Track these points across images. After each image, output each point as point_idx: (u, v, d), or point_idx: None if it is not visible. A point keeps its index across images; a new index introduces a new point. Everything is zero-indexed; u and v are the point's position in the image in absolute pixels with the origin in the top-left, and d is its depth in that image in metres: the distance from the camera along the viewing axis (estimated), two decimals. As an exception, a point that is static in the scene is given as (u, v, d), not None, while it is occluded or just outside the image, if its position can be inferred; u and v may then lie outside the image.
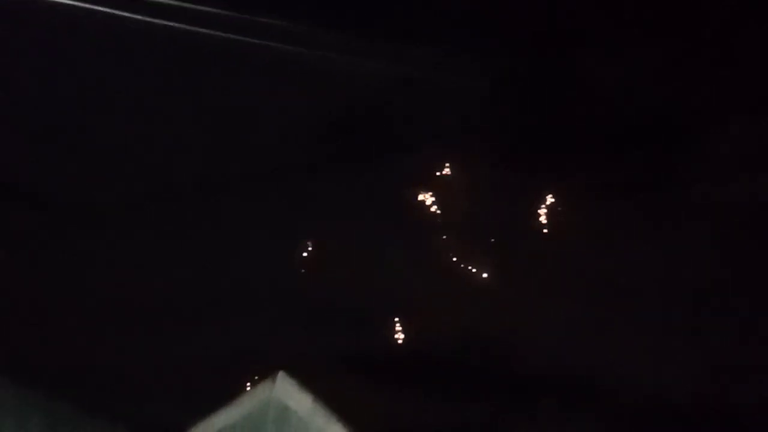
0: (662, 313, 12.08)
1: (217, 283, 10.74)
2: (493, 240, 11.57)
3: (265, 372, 11.52)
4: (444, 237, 11.45)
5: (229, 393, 11.26)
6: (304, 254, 10.93)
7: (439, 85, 10.89)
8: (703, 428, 12.89)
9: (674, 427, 12.57)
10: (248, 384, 11.37)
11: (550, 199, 11.86)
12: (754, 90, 12.19)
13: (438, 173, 11.37)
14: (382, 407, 11.38)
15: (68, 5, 8.59)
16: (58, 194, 9.91)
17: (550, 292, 11.59)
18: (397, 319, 11.38)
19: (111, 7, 8.72)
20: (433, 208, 11.40)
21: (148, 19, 8.75)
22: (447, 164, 11.21)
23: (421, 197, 11.25)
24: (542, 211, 11.72)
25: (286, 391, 10.73)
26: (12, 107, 10.52)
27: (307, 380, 11.08)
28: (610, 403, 11.52)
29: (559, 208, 11.86)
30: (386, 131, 11.09)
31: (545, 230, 11.82)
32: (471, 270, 11.46)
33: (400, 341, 11.42)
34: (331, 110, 10.71)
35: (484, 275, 11.36)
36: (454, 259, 11.46)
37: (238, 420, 10.54)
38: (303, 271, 11.05)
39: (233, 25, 9.39)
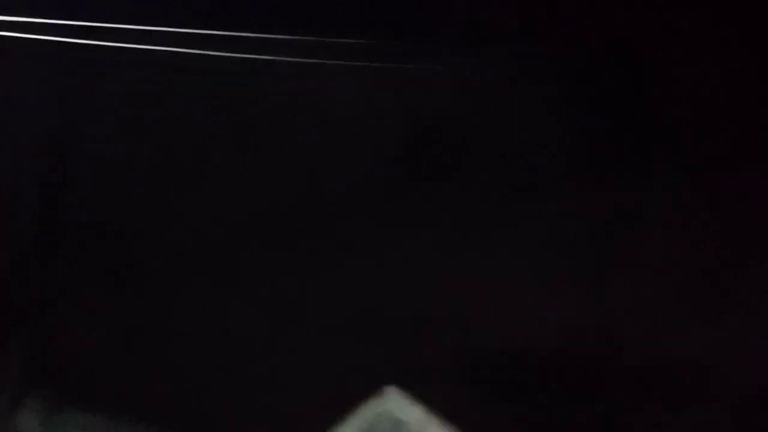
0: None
1: (306, 303, 10.78)
2: (581, 242, 11.49)
3: (369, 388, 11.47)
4: (530, 242, 11.38)
5: (335, 412, 11.23)
6: (390, 269, 10.96)
7: (513, 95, 10.81)
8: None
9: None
10: (354, 401, 11.38)
11: (633, 198, 11.79)
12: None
13: (515, 182, 11.34)
14: (491, 413, 11.29)
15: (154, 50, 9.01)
16: (160, 232, 10.09)
17: (647, 288, 11.45)
18: (495, 325, 11.30)
19: (190, 48, 9.10)
20: (516, 217, 11.39)
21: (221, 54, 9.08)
22: (524, 172, 11.20)
23: (502, 207, 11.20)
24: (626, 209, 11.65)
25: (397, 405, 10.77)
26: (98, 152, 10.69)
27: (415, 392, 11.03)
28: (725, 395, 11.32)
29: (643, 206, 11.73)
30: (464, 145, 11.00)
31: (632, 228, 11.72)
32: (561, 274, 11.41)
33: (498, 346, 11.34)
34: (407, 127, 10.66)
35: (576, 277, 11.30)
36: (544, 263, 11.37)
37: (352, 436, 10.61)
38: (389, 286, 11.07)
39: (302, 48, 9.44)
